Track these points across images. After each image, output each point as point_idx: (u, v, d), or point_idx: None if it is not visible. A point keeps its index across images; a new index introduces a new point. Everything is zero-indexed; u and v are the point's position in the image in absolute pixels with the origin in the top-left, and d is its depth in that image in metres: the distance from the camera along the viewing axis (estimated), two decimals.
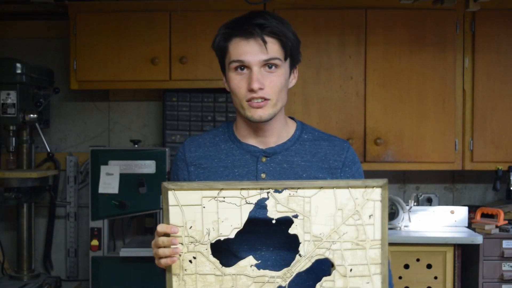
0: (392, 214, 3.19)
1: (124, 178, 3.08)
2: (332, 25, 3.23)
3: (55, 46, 3.62)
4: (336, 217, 1.25)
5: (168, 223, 1.27)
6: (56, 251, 3.63)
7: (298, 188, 1.26)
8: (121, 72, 3.25)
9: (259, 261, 1.30)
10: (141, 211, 3.12)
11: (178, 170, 1.53)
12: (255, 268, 1.28)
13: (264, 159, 1.46)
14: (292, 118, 1.56)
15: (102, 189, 3.07)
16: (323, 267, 1.28)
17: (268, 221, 1.28)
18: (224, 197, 1.27)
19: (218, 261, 1.28)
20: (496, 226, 3.08)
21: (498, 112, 3.25)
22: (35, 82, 3.19)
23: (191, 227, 1.27)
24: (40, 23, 3.59)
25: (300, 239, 1.26)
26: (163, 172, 3.06)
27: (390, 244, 3.15)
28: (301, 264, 1.26)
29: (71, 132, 3.65)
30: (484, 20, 3.23)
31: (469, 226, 3.19)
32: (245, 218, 1.27)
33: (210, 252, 1.27)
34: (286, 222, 1.27)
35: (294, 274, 1.26)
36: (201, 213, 1.27)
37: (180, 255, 1.27)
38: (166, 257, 1.27)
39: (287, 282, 1.27)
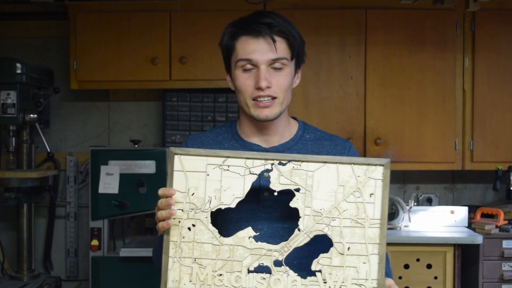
0: (392, 214, 3.19)
1: (124, 178, 3.08)
2: (332, 25, 3.23)
3: (55, 46, 3.62)
4: (337, 193, 1.26)
5: (171, 187, 1.28)
6: (56, 251, 3.63)
7: (303, 161, 1.27)
8: (121, 72, 3.25)
9: (258, 233, 1.30)
10: (141, 211, 3.12)
11: None
12: (253, 240, 1.28)
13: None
14: (294, 118, 1.57)
15: (102, 189, 3.07)
16: (320, 244, 1.28)
17: (270, 192, 1.29)
18: (228, 166, 1.28)
19: (217, 230, 1.28)
20: (496, 226, 3.08)
21: (498, 112, 3.25)
22: (35, 82, 3.19)
23: (193, 194, 1.28)
24: (40, 23, 3.59)
25: (301, 213, 1.27)
26: (163, 172, 3.06)
27: (390, 244, 3.16)
28: (299, 238, 1.26)
29: (71, 132, 3.65)
30: (484, 20, 3.23)
31: (469, 226, 3.19)
32: (247, 188, 1.28)
33: (209, 221, 1.28)
34: (288, 194, 1.28)
35: (291, 249, 1.27)
36: (204, 180, 1.28)
37: (179, 222, 1.28)
38: (163, 219, 1.28)
39: (284, 256, 1.27)
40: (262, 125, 1.46)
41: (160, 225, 1.28)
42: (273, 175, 1.28)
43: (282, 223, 1.36)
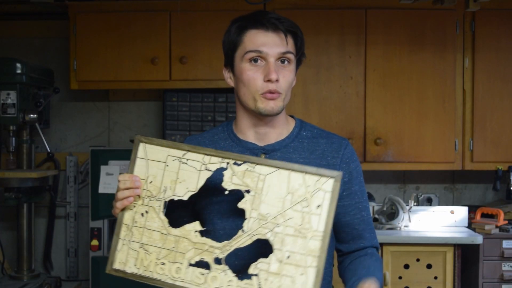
0: (392, 214, 3.19)
1: None
2: (332, 25, 3.23)
3: (55, 46, 3.62)
4: (285, 200, 1.26)
5: (132, 173, 1.35)
6: (56, 251, 3.63)
7: (257, 164, 1.28)
8: (121, 72, 3.25)
9: (204, 228, 1.31)
10: None
11: None
12: (198, 234, 1.30)
13: (263, 156, 1.46)
14: (291, 117, 1.56)
15: (102, 189, 3.07)
16: (261, 249, 1.28)
17: (221, 190, 1.31)
18: (187, 159, 1.32)
19: (167, 220, 1.32)
20: (496, 226, 3.08)
21: (498, 112, 3.25)
22: (35, 82, 3.19)
23: (151, 182, 1.33)
24: (40, 23, 3.59)
25: (247, 215, 1.28)
26: None
27: (390, 244, 3.16)
28: (241, 239, 1.28)
29: (71, 132, 3.65)
30: (484, 20, 3.23)
31: (469, 226, 3.19)
32: (201, 183, 1.31)
33: (162, 210, 1.32)
34: (238, 194, 1.29)
35: (232, 249, 1.28)
36: (163, 170, 1.33)
37: (134, 207, 1.33)
38: (123, 198, 1.33)
39: (225, 255, 1.28)
40: (260, 121, 1.46)
41: (119, 203, 1.34)
42: (226, 174, 1.30)
43: (228, 222, 1.36)
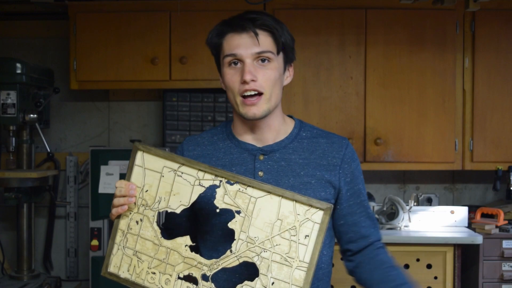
0: (392, 214, 3.19)
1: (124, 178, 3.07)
2: (332, 25, 3.23)
3: (55, 46, 3.62)
4: (274, 226, 1.26)
5: (129, 180, 1.36)
6: (56, 251, 3.63)
7: (248, 186, 1.28)
8: (121, 72, 3.25)
9: (194, 244, 1.34)
10: None
11: None
12: (188, 248, 1.32)
13: (261, 157, 1.46)
14: (290, 117, 1.56)
15: (102, 189, 3.07)
16: (248, 271, 1.30)
17: (213, 208, 1.31)
18: (182, 173, 1.32)
19: (159, 231, 1.34)
20: (496, 226, 3.08)
21: (498, 112, 3.25)
22: (35, 82, 3.19)
23: (147, 190, 1.35)
24: (40, 23, 3.59)
25: (236, 236, 1.28)
26: None
27: (390, 244, 3.16)
28: (229, 260, 1.28)
29: (71, 132, 3.65)
30: (484, 20, 3.23)
31: (469, 226, 3.19)
32: (193, 198, 1.32)
33: (155, 220, 1.34)
34: (229, 213, 1.30)
35: (219, 268, 1.29)
36: (159, 180, 1.34)
37: (130, 213, 1.35)
38: (119, 206, 1.35)
39: (212, 273, 1.30)
40: (253, 124, 1.46)
41: (115, 211, 1.36)
42: (219, 192, 1.30)
43: (218, 240, 1.40)
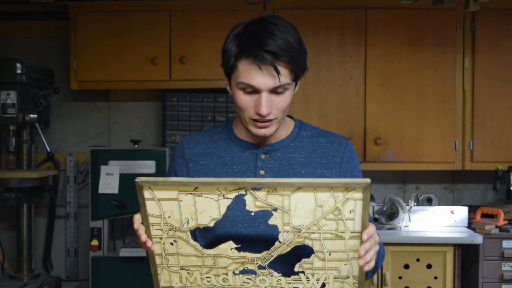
0: (392, 214, 3.19)
1: (124, 178, 3.08)
2: (332, 25, 3.23)
3: (55, 46, 3.62)
4: (316, 212, 1.22)
5: (145, 214, 1.23)
6: (56, 251, 3.63)
7: (276, 187, 1.20)
8: (121, 72, 3.25)
9: (239, 245, 1.29)
10: None
11: (176, 166, 1.53)
12: (235, 250, 1.28)
13: (263, 156, 1.47)
14: (290, 117, 1.56)
15: (102, 189, 3.07)
16: (302, 252, 1.28)
17: (247, 213, 1.27)
18: (201, 193, 1.22)
19: (198, 244, 1.27)
20: (496, 226, 3.08)
21: (498, 112, 3.25)
22: (35, 82, 3.19)
23: (169, 216, 1.24)
24: (40, 23, 3.59)
25: (280, 229, 1.25)
26: (163, 172, 3.06)
27: (390, 244, 3.15)
28: (280, 248, 1.27)
29: (71, 132, 3.65)
30: (484, 20, 3.23)
31: (469, 226, 3.19)
32: (223, 210, 1.23)
33: (190, 237, 1.26)
34: (265, 213, 1.24)
35: (274, 257, 1.28)
36: (178, 205, 1.23)
37: (160, 239, 1.26)
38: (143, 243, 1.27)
39: (267, 263, 1.28)
40: None
41: (144, 246, 1.27)
42: (248, 199, 1.21)
43: (263, 237, 1.39)
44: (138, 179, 1.19)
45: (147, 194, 1.22)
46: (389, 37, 3.22)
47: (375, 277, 3.00)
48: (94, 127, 3.65)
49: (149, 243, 1.24)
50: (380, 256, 1.42)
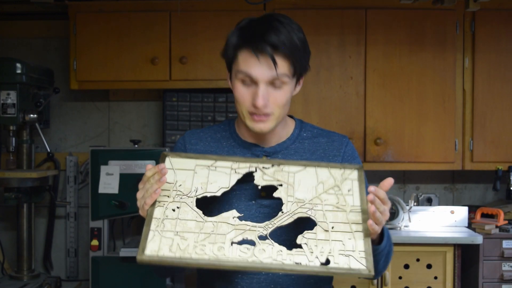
0: (392, 214, 3.19)
1: (124, 178, 3.08)
2: (332, 25, 3.23)
3: (55, 46, 3.62)
4: (318, 188, 1.34)
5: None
6: (56, 251, 3.63)
7: (285, 165, 1.38)
8: (121, 72, 3.25)
9: (242, 214, 1.30)
10: None
11: None
12: (237, 219, 1.30)
13: (264, 158, 1.47)
14: (291, 117, 1.56)
15: (102, 189, 3.07)
16: (304, 224, 1.28)
17: (254, 186, 1.35)
18: (216, 167, 1.37)
19: (201, 212, 1.29)
20: (496, 226, 3.08)
21: (498, 112, 3.25)
22: (35, 82, 3.19)
23: (180, 185, 1.33)
24: (40, 23, 3.59)
25: (284, 201, 1.31)
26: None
27: None
28: (283, 218, 1.29)
29: (71, 132, 3.65)
30: (484, 20, 3.23)
31: (469, 226, 3.19)
32: (233, 182, 1.35)
33: (194, 204, 1.31)
34: (271, 187, 1.33)
35: (275, 226, 1.28)
36: (192, 176, 1.35)
37: (164, 204, 1.30)
38: (152, 191, 1.26)
39: (268, 232, 1.27)
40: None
41: (149, 199, 1.26)
42: (257, 175, 1.36)
43: (266, 209, 1.41)
44: (164, 152, 1.39)
45: (167, 163, 1.36)
46: (389, 37, 3.22)
47: None
48: (94, 127, 3.65)
49: (162, 168, 1.28)
50: (390, 248, 1.42)
